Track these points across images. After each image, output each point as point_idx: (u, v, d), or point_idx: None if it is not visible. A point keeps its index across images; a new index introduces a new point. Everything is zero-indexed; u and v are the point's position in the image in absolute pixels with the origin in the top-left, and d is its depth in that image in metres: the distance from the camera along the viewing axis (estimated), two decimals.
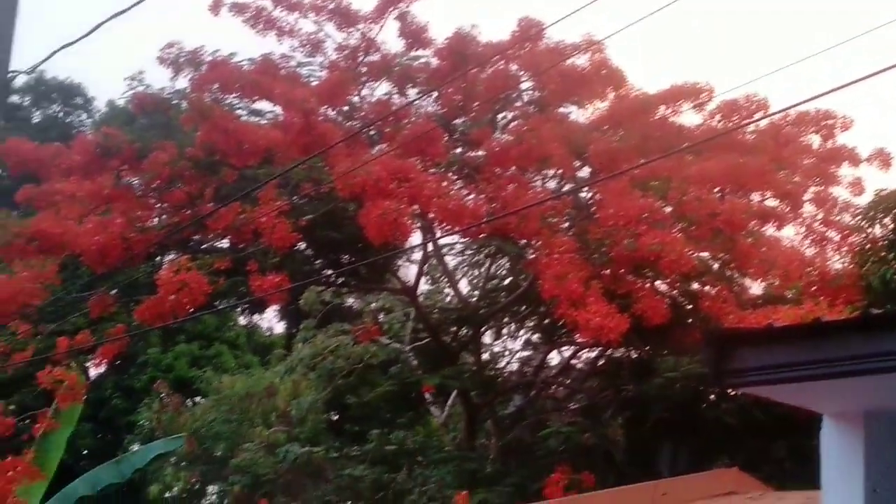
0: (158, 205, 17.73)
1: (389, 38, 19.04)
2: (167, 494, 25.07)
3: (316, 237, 17.66)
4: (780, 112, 18.66)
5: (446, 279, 23.26)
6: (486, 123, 18.37)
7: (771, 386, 5.59)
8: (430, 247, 20.07)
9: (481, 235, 17.40)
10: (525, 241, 16.60)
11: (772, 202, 17.58)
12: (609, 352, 19.02)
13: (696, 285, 16.72)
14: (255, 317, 37.87)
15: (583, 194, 17.89)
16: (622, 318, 13.81)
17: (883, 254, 14.47)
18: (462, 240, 20.08)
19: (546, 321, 20.11)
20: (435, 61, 18.48)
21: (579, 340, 18.40)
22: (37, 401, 19.32)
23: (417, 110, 18.55)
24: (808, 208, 17.87)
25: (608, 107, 18.75)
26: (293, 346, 27.95)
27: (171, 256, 18.51)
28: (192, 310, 15.70)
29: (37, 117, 44.54)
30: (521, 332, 23.22)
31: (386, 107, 18.56)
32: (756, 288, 17.44)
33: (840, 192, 18.17)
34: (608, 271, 15.25)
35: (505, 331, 23.30)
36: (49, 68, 45.12)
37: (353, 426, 27.77)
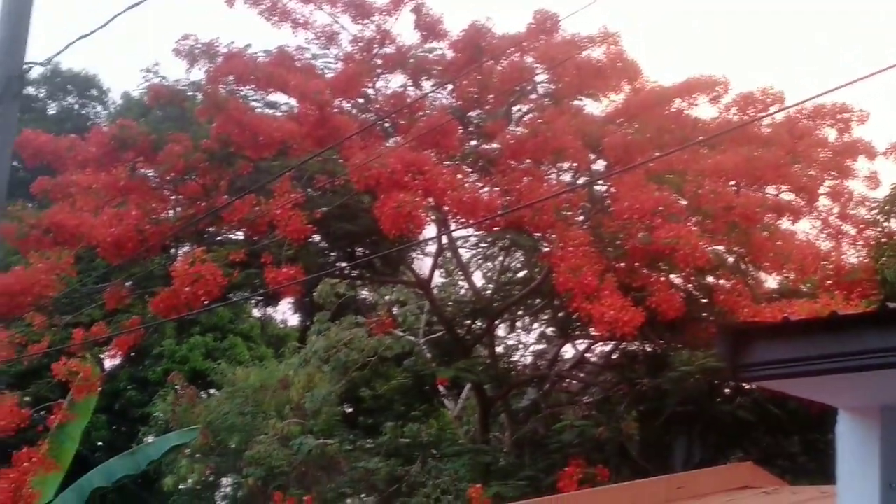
0: (173, 197, 17.75)
1: (404, 30, 19.03)
2: (182, 486, 25.15)
3: (330, 229, 17.66)
4: (795, 105, 18.59)
5: (460, 272, 23.24)
6: (501, 116, 18.34)
7: (787, 380, 5.58)
8: (444, 239, 20.05)
9: (496, 228, 17.38)
10: (539, 233, 16.57)
11: (787, 196, 17.55)
12: (623, 345, 18.98)
13: (710, 279, 16.70)
14: (269, 309, 37.99)
15: (597, 187, 17.86)
16: (637, 312, 13.78)
17: None
18: (476, 232, 20.04)
19: (560, 314, 20.07)
20: (450, 53, 18.45)
21: (594, 334, 18.35)
22: (52, 392, 19.38)
23: (432, 102, 18.54)
24: (824, 202, 17.84)
25: (623, 99, 18.71)
26: (307, 338, 27.98)
27: (186, 248, 18.53)
28: (206, 302, 15.71)
29: (52, 109, 44.72)
30: (536, 325, 23.20)
31: (401, 99, 18.54)
32: (771, 282, 17.41)
33: (856, 186, 18.15)
34: (623, 264, 15.23)
35: (519, 324, 23.26)
36: (64, 60, 45.36)
37: (367, 419, 27.83)
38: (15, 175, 11.39)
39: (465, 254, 22.60)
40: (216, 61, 17.77)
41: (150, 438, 25.88)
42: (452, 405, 24.91)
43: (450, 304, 23.15)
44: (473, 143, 18.41)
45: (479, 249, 22.89)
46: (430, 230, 18.25)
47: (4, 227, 14.53)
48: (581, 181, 18.14)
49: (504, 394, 20.55)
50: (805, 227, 17.67)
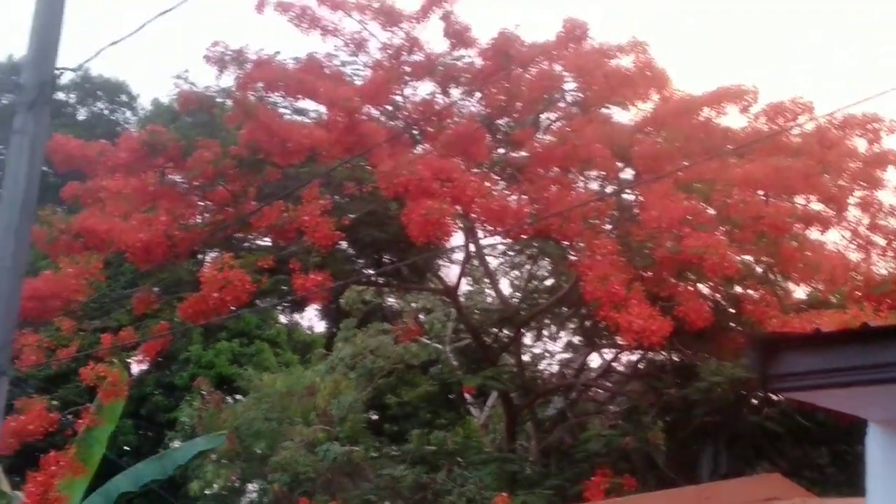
0: (202, 203, 17.80)
1: (433, 37, 19.03)
2: (207, 491, 25.20)
3: (358, 236, 17.67)
4: (826, 115, 18.48)
5: (487, 280, 23.23)
6: (530, 124, 18.35)
7: (817, 391, 5.55)
8: (471, 247, 20.04)
9: (523, 236, 17.36)
10: (567, 242, 16.55)
11: (816, 206, 17.46)
12: (650, 355, 18.93)
13: (738, 289, 16.62)
14: (296, 315, 38.06)
15: (626, 196, 17.82)
16: (665, 321, 13.73)
17: None
18: (504, 241, 20.03)
19: (587, 323, 20.06)
20: (479, 61, 18.44)
21: (621, 343, 18.30)
22: (80, 396, 19.54)
23: (460, 110, 18.54)
24: (854, 212, 17.73)
25: (652, 108, 18.67)
26: (333, 344, 28.03)
27: (214, 254, 18.58)
28: (234, 307, 15.75)
29: (82, 114, 44.97)
30: (562, 333, 23.19)
31: (429, 106, 18.54)
32: (799, 292, 17.32)
33: (886, 197, 18.03)
34: (651, 273, 15.18)
35: (546, 332, 23.27)
36: (93, 66, 45.60)
37: (393, 426, 27.87)
38: (45, 180, 11.45)
39: (492, 261, 22.63)
40: (246, 68, 17.82)
41: (177, 443, 25.98)
42: (478, 413, 24.91)
43: (476, 311, 23.12)
44: (501, 150, 18.41)
45: (507, 257, 22.91)
46: (458, 238, 18.24)
47: (35, 231, 14.60)
48: (609, 190, 18.10)
49: (530, 402, 20.53)
50: (834, 238, 17.59)
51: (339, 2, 18.77)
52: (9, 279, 9.90)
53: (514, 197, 16.44)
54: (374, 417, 28.35)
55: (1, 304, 9.82)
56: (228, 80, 18.11)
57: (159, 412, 32.17)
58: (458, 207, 15.53)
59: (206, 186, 17.32)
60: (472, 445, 22.11)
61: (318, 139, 16.70)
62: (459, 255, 21.38)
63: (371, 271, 20.11)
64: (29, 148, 10.07)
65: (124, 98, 46.25)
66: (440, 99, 18.85)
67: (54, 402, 19.38)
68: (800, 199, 17.22)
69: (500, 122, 18.48)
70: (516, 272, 23.63)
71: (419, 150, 17.79)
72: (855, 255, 17.02)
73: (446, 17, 18.56)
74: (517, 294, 22.82)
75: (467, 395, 24.85)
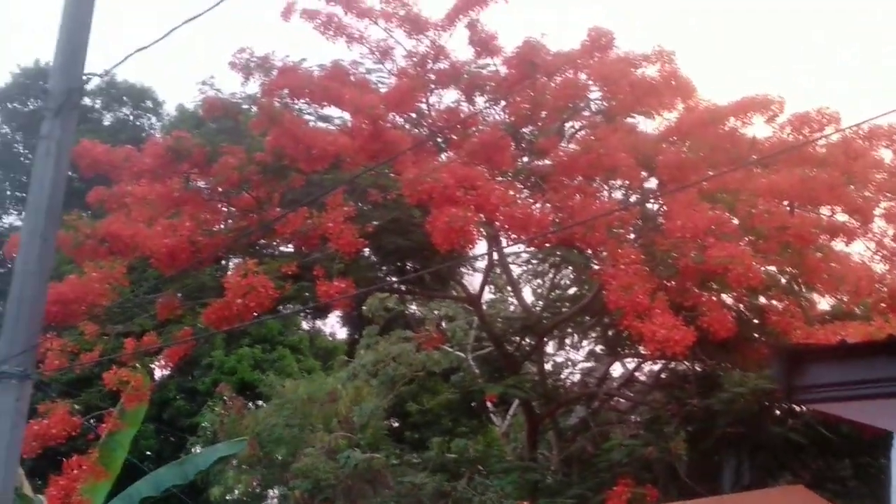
0: (226, 209, 17.83)
1: (459, 45, 19.04)
2: (228, 497, 25.29)
3: (381, 244, 17.67)
4: (852, 126, 18.39)
5: (510, 288, 23.21)
6: (554, 132, 18.31)
7: (842, 403, 5.52)
8: (494, 255, 20.03)
9: (547, 245, 17.33)
10: (591, 251, 16.52)
11: (842, 217, 17.38)
12: (673, 365, 18.88)
13: (763, 299, 16.56)
14: (318, 322, 38.13)
15: (650, 205, 17.77)
16: (688, 331, 13.68)
17: None
18: (527, 249, 20.01)
19: (610, 332, 20.00)
20: (504, 69, 18.44)
21: (643, 352, 18.26)
22: (103, 401, 19.61)
23: (485, 118, 18.53)
24: (879, 224, 17.64)
25: (677, 118, 18.62)
26: (355, 351, 28.08)
27: (238, 260, 18.61)
28: (257, 314, 15.77)
29: (108, 120, 45.23)
30: (585, 342, 23.14)
31: (454, 114, 18.54)
32: (824, 303, 17.25)
33: None
34: (674, 283, 15.13)
35: (568, 341, 23.22)
36: (119, 71, 45.86)
37: (414, 433, 27.88)
38: (71, 185, 11.51)
39: (515, 270, 22.60)
40: (271, 75, 17.85)
41: (198, 449, 26.08)
42: (500, 422, 24.90)
43: (499, 320, 23.10)
44: (526, 159, 18.38)
45: (530, 266, 22.87)
46: (481, 246, 18.23)
47: (60, 236, 14.66)
48: (633, 199, 18.07)
49: (552, 411, 20.48)
50: (859, 249, 17.50)
51: (366, 9, 18.81)
52: (34, 283, 9.96)
53: (537, 205, 16.40)
54: (396, 425, 28.38)
55: (26, 308, 9.87)
56: (254, 86, 18.17)
57: (181, 417, 32.28)
58: (481, 215, 15.50)
59: (230, 192, 17.35)
60: (493, 454, 22.10)
61: (343, 146, 16.71)
62: (482, 264, 21.38)
63: (394, 279, 20.11)
64: (55, 153, 10.13)
65: (149, 104, 46.49)
66: (465, 107, 18.87)
67: (77, 407, 19.39)
68: (825, 210, 17.16)
69: (524, 130, 18.46)
70: (539, 281, 23.59)
71: (444, 157, 17.79)
72: (880, 267, 16.95)
73: (472, 25, 18.58)
74: (540, 303, 22.79)
75: (489, 404, 24.83)
